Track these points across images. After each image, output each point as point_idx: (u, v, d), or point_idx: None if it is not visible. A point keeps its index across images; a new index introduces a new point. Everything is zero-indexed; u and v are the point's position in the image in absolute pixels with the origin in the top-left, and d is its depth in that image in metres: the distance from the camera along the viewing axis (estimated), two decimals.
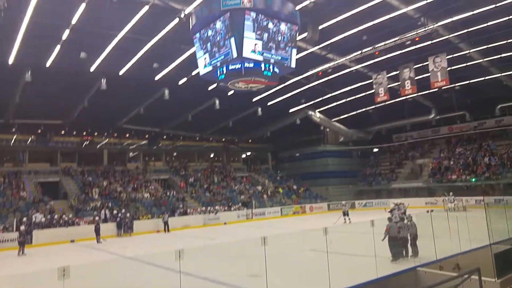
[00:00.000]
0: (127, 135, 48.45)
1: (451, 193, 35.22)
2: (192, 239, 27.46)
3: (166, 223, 32.65)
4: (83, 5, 22.02)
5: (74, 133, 45.01)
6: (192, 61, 26.76)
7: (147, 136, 49.81)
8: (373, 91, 36.02)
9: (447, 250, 14.37)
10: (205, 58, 19.88)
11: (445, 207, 32.30)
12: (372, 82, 36.04)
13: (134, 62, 30.37)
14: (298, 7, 22.34)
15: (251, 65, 18.65)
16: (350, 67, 35.46)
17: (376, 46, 29.70)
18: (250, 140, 59.44)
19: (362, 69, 36.55)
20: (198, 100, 39.84)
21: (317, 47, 31.56)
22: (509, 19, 27.02)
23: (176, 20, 23.49)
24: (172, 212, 36.04)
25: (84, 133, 45.75)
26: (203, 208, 38.61)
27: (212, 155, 57.44)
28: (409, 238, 15.38)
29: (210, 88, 35.81)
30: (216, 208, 38.85)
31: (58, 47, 26.45)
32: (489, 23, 27.86)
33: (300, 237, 22.69)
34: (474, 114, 46.43)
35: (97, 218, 30.96)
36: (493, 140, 44.90)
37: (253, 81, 20.13)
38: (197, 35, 19.93)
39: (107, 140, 47.09)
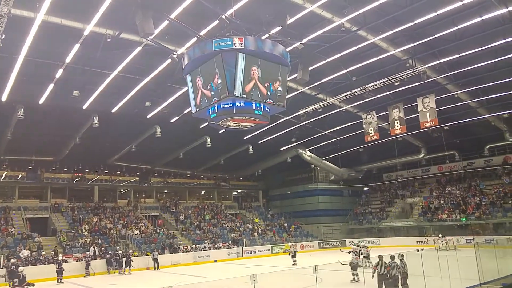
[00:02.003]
0: (118, 171, 48.40)
1: (440, 235, 35.17)
2: (181, 276, 27.18)
3: (155, 260, 32.37)
4: (77, 46, 22.46)
5: (65, 169, 44.85)
6: (184, 100, 27.27)
7: (138, 173, 49.81)
8: (363, 130, 36.24)
9: None
10: (197, 97, 20.13)
11: (436, 246, 32.26)
12: (362, 121, 36.33)
13: (126, 100, 30.71)
14: (288, 49, 22.82)
15: (242, 104, 18.85)
16: (340, 107, 35.89)
17: (366, 86, 30.16)
18: (241, 178, 59.51)
19: (352, 109, 37.02)
20: (189, 138, 40.14)
21: (307, 87, 32.13)
22: (495, 61, 27.60)
23: (169, 60, 23.96)
24: (162, 249, 35.77)
25: (75, 170, 45.70)
26: (193, 246, 38.35)
27: (203, 193, 57.35)
28: (399, 277, 15.14)
29: (201, 126, 36.13)
30: (206, 246, 38.61)
31: (51, 85, 26.80)
32: (476, 65, 28.37)
33: (290, 275, 22.56)
34: (463, 154, 46.60)
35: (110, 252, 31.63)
36: (482, 179, 45.07)
37: (244, 120, 20.36)
38: (190, 75, 20.17)
39: (98, 176, 46.88)
